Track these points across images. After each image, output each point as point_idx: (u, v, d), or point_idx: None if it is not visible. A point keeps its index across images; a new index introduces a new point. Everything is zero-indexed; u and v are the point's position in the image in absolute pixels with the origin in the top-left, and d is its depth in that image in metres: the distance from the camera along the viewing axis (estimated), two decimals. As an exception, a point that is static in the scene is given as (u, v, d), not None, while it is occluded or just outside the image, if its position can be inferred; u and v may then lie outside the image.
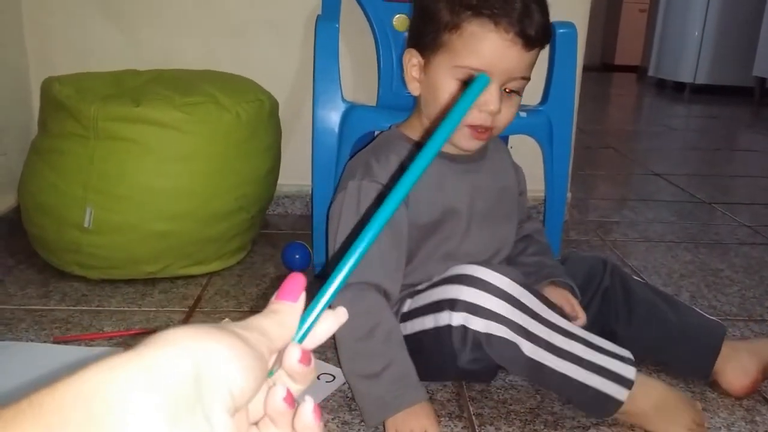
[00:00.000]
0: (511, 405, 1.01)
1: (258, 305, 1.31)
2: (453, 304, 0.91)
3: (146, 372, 0.27)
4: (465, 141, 0.99)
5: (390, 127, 1.09)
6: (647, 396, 0.93)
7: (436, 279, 0.99)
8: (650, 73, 5.49)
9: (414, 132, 1.05)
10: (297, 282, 0.35)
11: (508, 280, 0.91)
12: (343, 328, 0.92)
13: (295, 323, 0.34)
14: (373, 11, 1.51)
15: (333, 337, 0.94)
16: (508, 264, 1.12)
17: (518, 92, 0.97)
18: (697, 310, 1.13)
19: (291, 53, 1.75)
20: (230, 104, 1.36)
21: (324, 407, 0.98)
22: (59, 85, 1.36)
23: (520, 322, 0.90)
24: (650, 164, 2.81)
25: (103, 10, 1.69)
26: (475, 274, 0.91)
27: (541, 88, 1.43)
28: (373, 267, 0.96)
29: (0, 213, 1.59)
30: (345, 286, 0.91)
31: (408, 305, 1.01)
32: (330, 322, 0.36)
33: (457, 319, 0.91)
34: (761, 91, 4.78)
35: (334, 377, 1.04)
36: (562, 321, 0.93)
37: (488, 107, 0.94)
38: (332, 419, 0.96)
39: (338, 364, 1.03)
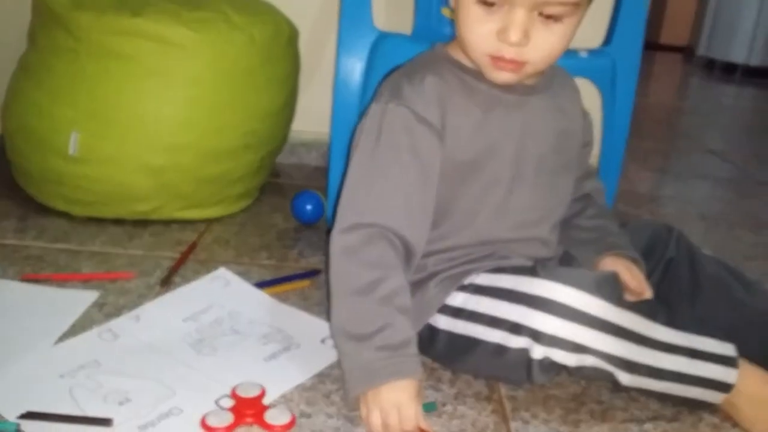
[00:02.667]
0: (550, 389, 0.85)
1: (259, 257, 1.15)
2: (536, 336, 0.75)
3: None
4: (490, 72, 0.80)
5: (434, 46, 0.90)
6: (741, 391, 0.80)
7: (503, 282, 0.81)
8: (699, 52, 5.22)
9: (461, 53, 0.85)
10: None
11: (603, 302, 0.74)
12: (340, 276, 0.70)
13: None
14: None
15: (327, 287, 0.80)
16: (563, 226, 0.95)
17: (559, 18, 0.76)
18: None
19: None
20: (243, 24, 1.20)
21: (328, 375, 0.83)
22: (53, -8, 1.20)
23: (620, 354, 0.76)
24: (703, 141, 2.60)
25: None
26: (561, 300, 0.75)
27: (605, 28, 1.24)
28: (393, 208, 0.79)
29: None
30: (354, 226, 0.69)
31: (462, 301, 0.83)
32: None
33: (539, 351, 0.76)
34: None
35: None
36: (665, 333, 0.78)
37: (507, 37, 0.74)
38: (336, 390, 0.80)
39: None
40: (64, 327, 0.88)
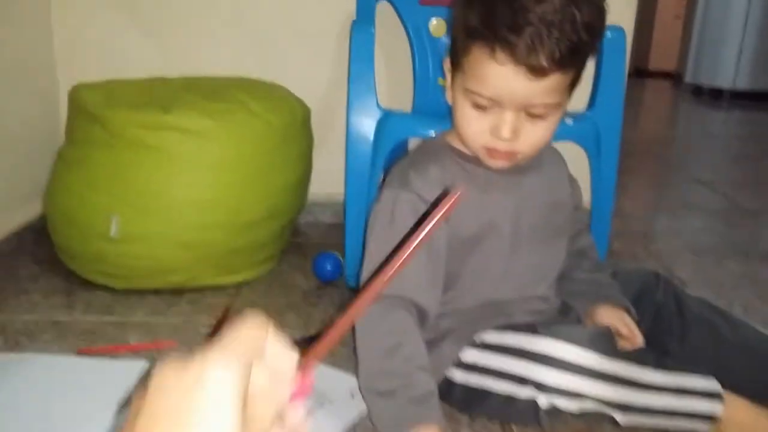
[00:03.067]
0: (557, 427, 0.94)
1: (287, 317, 1.26)
2: (540, 387, 0.87)
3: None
4: (486, 160, 0.93)
5: (435, 134, 1.03)
6: (727, 420, 0.89)
7: (509, 340, 0.91)
8: (687, 78, 5.33)
9: (459, 142, 0.98)
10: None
11: (596, 355, 0.86)
12: (364, 344, 0.86)
13: None
14: (408, 15, 1.46)
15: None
16: (561, 280, 1.06)
17: (544, 116, 0.87)
18: (755, 326, 1.05)
19: (324, 62, 1.72)
20: (261, 111, 1.32)
21: (359, 425, 0.93)
22: (87, 92, 1.33)
23: (614, 398, 0.86)
24: (692, 171, 2.71)
25: (134, 18, 1.67)
26: (560, 355, 0.86)
27: (588, 92, 1.35)
28: (407, 280, 0.91)
29: (26, 222, 1.57)
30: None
31: (473, 357, 0.94)
32: None
33: (545, 400, 0.87)
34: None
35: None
36: (654, 375, 0.88)
37: (499, 134, 0.87)
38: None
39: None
40: (122, 397, 0.97)
